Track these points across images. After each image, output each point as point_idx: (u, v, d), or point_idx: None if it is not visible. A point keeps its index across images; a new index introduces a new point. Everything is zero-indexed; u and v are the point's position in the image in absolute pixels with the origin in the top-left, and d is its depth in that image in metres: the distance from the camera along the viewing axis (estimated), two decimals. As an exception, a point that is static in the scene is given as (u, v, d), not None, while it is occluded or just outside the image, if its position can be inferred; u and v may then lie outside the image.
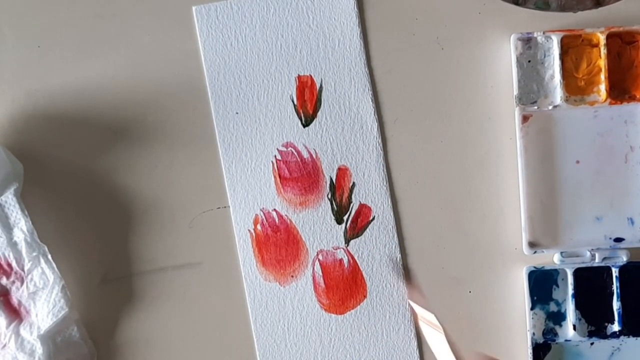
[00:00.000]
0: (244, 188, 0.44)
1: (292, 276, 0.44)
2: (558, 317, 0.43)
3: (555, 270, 0.43)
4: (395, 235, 0.44)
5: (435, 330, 0.37)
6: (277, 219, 0.44)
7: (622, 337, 0.43)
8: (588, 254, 0.43)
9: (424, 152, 0.44)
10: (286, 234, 0.44)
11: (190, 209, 0.44)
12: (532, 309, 0.43)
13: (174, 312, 0.44)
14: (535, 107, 0.43)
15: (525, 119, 0.43)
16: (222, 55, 0.44)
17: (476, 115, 0.44)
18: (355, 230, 0.44)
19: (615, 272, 0.43)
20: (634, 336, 0.43)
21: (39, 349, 0.40)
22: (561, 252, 0.43)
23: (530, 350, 0.43)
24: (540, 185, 0.43)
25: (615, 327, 0.43)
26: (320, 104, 0.44)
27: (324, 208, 0.44)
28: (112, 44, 0.44)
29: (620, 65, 0.43)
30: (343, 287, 0.44)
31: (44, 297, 0.41)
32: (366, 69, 0.44)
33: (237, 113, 0.44)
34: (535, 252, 0.43)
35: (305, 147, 0.44)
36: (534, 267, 0.43)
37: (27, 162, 0.43)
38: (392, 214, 0.44)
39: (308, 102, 0.44)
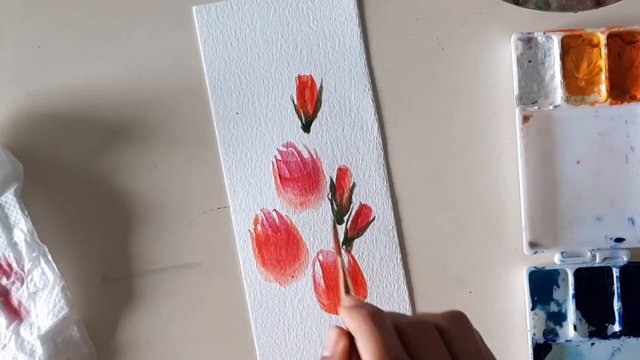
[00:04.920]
0: (244, 188, 0.44)
1: (293, 276, 0.44)
2: (559, 318, 0.43)
3: (556, 270, 0.43)
4: (396, 235, 0.44)
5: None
6: (277, 219, 0.44)
7: (622, 338, 0.43)
8: (588, 254, 0.43)
9: (424, 152, 0.44)
10: (286, 234, 0.44)
11: (190, 209, 0.44)
12: (532, 309, 0.43)
13: (174, 312, 0.44)
14: (536, 107, 0.43)
15: (525, 119, 0.43)
16: (223, 55, 0.44)
17: (476, 115, 0.44)
18: (356, 230, 0.44)
19: (615, 272, 0.43)
20: (634, 336, 0.43)
21: (39, 349, 0.40)
22: (562, 252, 0.43)
23: (530, 351, 0.43)
24: (541, 185, 0.43)
25: (616, 327, 0.43)
26: (321, 104, 0.44)
27: (324, 208, 0.44)
28: (112, 44, 0.44)
29: (621, 65, 0.43)
30: (343, 288, 0.44)
31: (44, 298, 0.41)
32: (366, 69, 0.44)
33: (237, 113, 0.44)
34: (535, 252, 0.43)
35: (306, 147, 0.44)
36: (535, 267, 0.43)
37: (27, 163, 0.43)
38: (392, 214, 0.44)
39: (308, 102, 0.44)
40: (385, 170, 0.44)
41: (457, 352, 0.31)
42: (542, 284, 0.43)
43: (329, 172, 0.44)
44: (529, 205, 0.43)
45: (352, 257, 0.44)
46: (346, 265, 0.41)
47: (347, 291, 0.37)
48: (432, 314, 0.33)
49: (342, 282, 0.37)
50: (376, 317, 0.31)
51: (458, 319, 0.33)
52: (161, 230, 0.44)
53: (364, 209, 0.44)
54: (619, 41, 0.43)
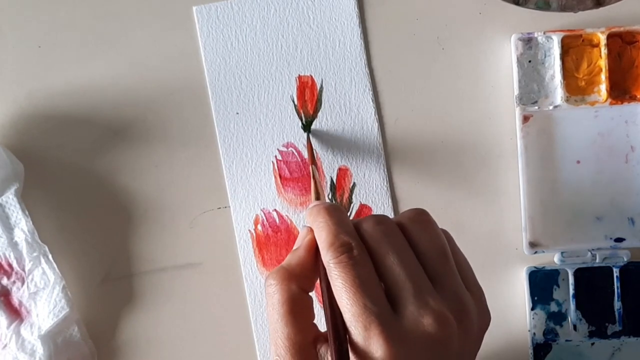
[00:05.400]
0: (244, 188, 0.44)
1: (293, 276, 0.44)
2: (559, 317, 0.43)
3: (556, 270, 0.43)
4: (396, 235, 0.44)
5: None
6: (277, 219, 0.44)
7: (622, 337, 0.43)
8: (589, 254, 0.43)
9: (424, 152, 0.44)
10: (287, 234, 0.44)
11: (190, 209, 0.44)
12: (532, 309, 0.43)
13: (175, 312, 0.44)
14: (536, 107, 0.43)
15: (525, 119, 0.43)
16: (223, 55, 0.44)
17: (476, 115, 0.44)
18: (356, 230, 0.44)
19: (615, 272, 0.43)
20: (634, 336, 0.43)
21: (40, 349, 0.41)
22: (562, 252, 0.43)
23: (530, 351, 0.43)
24: (541, 185, 0.43)
25: (616, 327, 0.43)
26: (321, 104, 0.44)
27: (325, 208, 0.44)
28: (113, 44, 0.44)
29: (621, 66, 0.43)
30: (343, 287, 0.44)
31: (45, 297, 0.41)
32: (367, 69, 0.44)
33: (237, 113, 0.44)
34: (535, 252, 0.43)
35: (306, 148, 0.44)
36: (535, 267, 0.43)
37: (27, 162, 0.43)
38: (392, 214, 0.44)
39: (308, 102, 0.44)
40: (385, 170, 0.44)
41: (418, 244, 0.31)
42: (542, 284, 0.43)
43: (329, 172, 0.44)
44: (529, 205, 0.43)
45: (352, 257, 0.44)
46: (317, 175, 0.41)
47: (318, 198, 0.38)
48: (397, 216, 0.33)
49: (313, 190, 0.38)
50: (330, 210, 0.32)
51: (418, 214, 0.33)
52: (161, 230, 0.44)
53: (364, 209, 0.44)
54: (619, 41, 0.43)
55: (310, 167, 0.41)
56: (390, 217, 0.42)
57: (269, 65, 0.44)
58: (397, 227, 0.32)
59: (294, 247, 0.33)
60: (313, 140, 0.44)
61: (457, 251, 0.34)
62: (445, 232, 0.34)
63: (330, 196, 0.44)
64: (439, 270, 0.31)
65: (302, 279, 0.32)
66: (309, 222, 0.33)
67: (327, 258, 0.30)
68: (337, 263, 0.30)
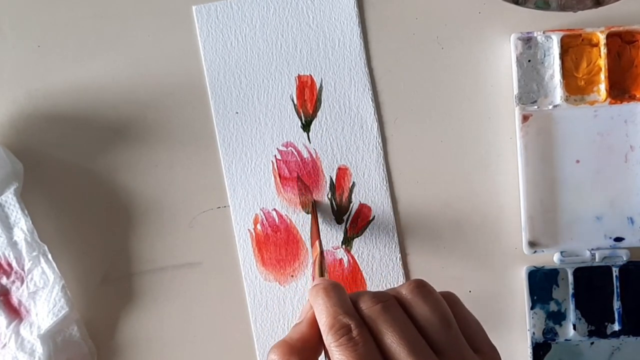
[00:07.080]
0: (244, 188, 0.44)
1: (292, 276, 0.44)
2: (558, 317, 0.43)
3: (555, 269, 0.43)
4: (396, 235, 0.44)
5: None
6: (277, 219, 0.44)
7: (622, 337, 0.43)
8: (588, 253, 0.43)
9: (424, 152, 0.44)
10: (286, 233, 0.44)
11: (190, 209, 0.44)
12: (532, 308, 0.43)
13: (174, 311, 0.44)
14: (535, 107, 0.43)
15: (525, 118, 0.43)
16: (222, 54, 0.44)
17: (476, 115, 0.44)
18: (355, 230, 0.44)
19: (615, 271, 0.43)
20: (634, 336, 0.43)
21: (39, 349, 0.41)
22: (561, 252, 0.43)
23: (530, 350, 0.43)
24: (541, 184, 0.43)
25: (615, 326, 0.43)
26: (320, 104, 0.44)
27: (324, 208, 0.44)
28: (112, 44, 0.44)
29: (620, 65, 0.43)
30: (343, 287, 0.44)
31: (44, 297, 0.41)
32: (366, 68, 0.44)
33: (237, 113, 0.44)
34: (535, 251, 0.43)
35: (305, 147, 0.44)
36: (534, 267, 0.43)
37: (27, 162, 0.43)
38: (392, 213, 0.44)
39: (308, 102, 0.44)
40: (385, 170, 0.44)
41: (418, 316, 0.31)
42: (541, 284, 0.43)
43: (328, 172, 0.44)
44: (529, 205, 0.43)
45: (352, 257, 0.44)
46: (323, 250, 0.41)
47: (322, 275, 0.38)
48: (394, 288, 0.33)
49: (317, 266, 0.38)
50: (328, 290, 0.32)
51: (416, 286, 0.33)
52: (161, 229, 0.44)
53: (363, 209, 0.44)
54: (618, 41, 0.43)
55: (317, 243, 0.40)
56: (400, 276, 0.42)
57: (269, 64, 0.44)
58: (396, 301, 0.32)
59: (297, 321, 0.33)
60: (313, 140, 0.44)
61: (465, 314, 0.34)
62: (449, 296, 0.34)
63: (330, 196, 0.44)
64: (442, 340, 0.31)
65: (304, 352, 0.32)
66: (311, 303, 0.33)
67: (328, 341, 0.30)
68: (337, 346, 0.30)
